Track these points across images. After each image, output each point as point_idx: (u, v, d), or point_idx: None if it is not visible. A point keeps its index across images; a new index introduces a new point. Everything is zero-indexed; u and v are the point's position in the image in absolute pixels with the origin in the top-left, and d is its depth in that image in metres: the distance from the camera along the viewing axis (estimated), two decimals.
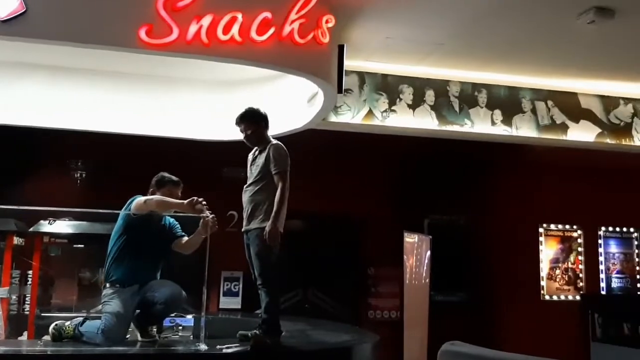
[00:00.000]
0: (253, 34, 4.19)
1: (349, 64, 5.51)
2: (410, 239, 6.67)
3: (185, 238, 4.07)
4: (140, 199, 3.82)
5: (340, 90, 5.06)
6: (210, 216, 3.79)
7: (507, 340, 7.63)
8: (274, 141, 4.05)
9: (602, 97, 6.50)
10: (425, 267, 6.49)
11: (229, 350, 3.58)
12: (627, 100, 6.54)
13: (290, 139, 5.39)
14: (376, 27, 5.09)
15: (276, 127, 5.13)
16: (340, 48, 5.05)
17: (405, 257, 6.33)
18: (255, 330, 3.79)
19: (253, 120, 4.06)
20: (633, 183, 8.27)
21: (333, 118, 5.89)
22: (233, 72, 5.57)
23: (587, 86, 6.34)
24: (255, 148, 4.11)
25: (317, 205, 7.36)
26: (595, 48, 5.34)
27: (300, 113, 5.67)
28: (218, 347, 3.59)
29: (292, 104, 5.72)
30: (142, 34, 3.92)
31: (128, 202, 3.84)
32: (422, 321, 6.01)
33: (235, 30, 4.13)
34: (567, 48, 5.36)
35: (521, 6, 4.63)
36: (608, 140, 6.45)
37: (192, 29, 4.04)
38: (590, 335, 6.90)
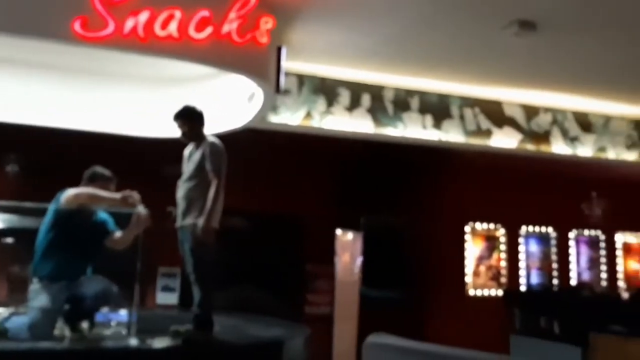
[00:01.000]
0: (191, 32, 4.22)
1: (288, 65, 5.60)
2: (345, 237, 6.86)
3: (118, 233, 4.05)
4: (70, 192, 3.76)
5: (278, 91, 5.16)
6: (144, 211, 3.80)
7: (434, 333, 7.98)
8: (211, 139, 4.11)
9: (524, 106, 6.90)
10: (357, 265, 6.70)
11: (160, 346, 3.61)
12: (547, 109, 6.97)
13: (230, 138, 5.43)
14: (315, 30, 5.22)
15: (216, 126, 5.19)
16: (279, 49, 5.15)
17: (338, 254, 6.51)
18: (187, 326, 3.85)
19: (189, 118, 4.10)
20: (551, 187, 8.80)
21: (272, 118, 5.98)
22: (174, 68, 5.55)
23: (511, 95, 6.71)
24: (192, 145, 4.16)
25: (257, 204, 7.43)
26: (519, 59, 5.66)
27: (240, 112, 5.72)
28: (148, 342, 3.61)
29: (232, 103, 5.76)
30: (77, 26, 3.88)
31: (56, 196, 3.78)
32: (353, 315, 6.21)
33: (173, 27, 4.15)
34: (493, 58, 5.66)
35: (450, 17, 4.85)
36: (529, 147, 6.85)
37: (129, 23, 4.03)
38: (510, 328, 7.27)
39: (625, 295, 8.74)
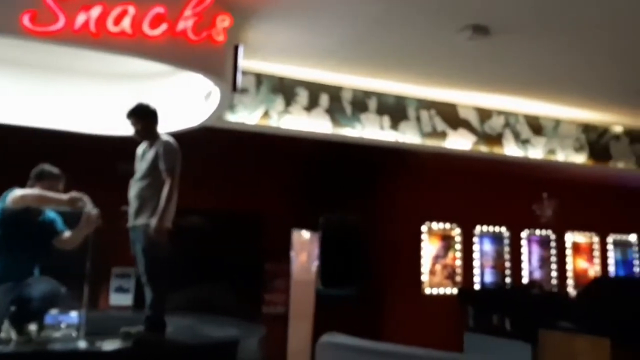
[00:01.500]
0: (145, 28, 4.15)
1: (245, 64, 5.58)
2: (302, 236, 6.88)
3: (67, 233, 3.97)
4: (16, 193, 3.67)
5: (235, 90, 5.13)
6: (94, 210, 3.73)
7: (391, 332, 8.08)
8: (165, 137, 4.06)
9: (478, 109, 7.05)
10: (314, 263, 6.73)
11: (109, 348, 3.55)
12: (500, 112, 7.14)
13: (187, 137, 5.38)
14: (273, 29, 5.20)
15: (172, 124, 5.13)
16: (236, 48, 5.12)
17: (294, 253, 6.53)
18: (138, 327, 3.79)
19: (142, 116, 4.06)
20: (505, 188, 9.03)
21: (230, 117, 5.95)
22: (129, 65, 5.44)
23: (465, 98, 6.85)
24: (145, 143, 4.10)
25: (215, 203, 7.38)
26: (473, 63, 5.77)
27: (196, 111, 5.67)
28: (97, 344, 3.55)
29: (188, 101, 5.70)
30: (26, 20, 3.78)
31: (3, 196, 3.68)
32: (309, 314, 6.24)
33: (126, 22, 4.08)
34: (448, 61, 5.77)
35: (406, 19, 4.91)
36: (482, 148, 7.01)
37: (80, 18, 3.94)
38: (464, 325, 7.44)
39: (573, 292, 9.05)
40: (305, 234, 6.91)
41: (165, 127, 4.41)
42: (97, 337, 3.75)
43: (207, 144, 6.42)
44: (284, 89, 6.15)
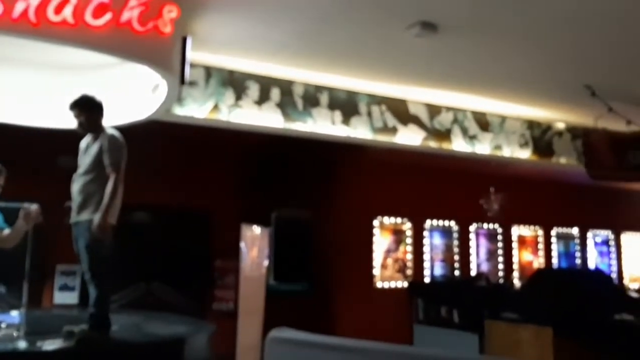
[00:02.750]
0: (88, 18, 4.01)
1: (194, 56, 5.48)
2: (253, 231, 6.83)
3: (6, 230, 3.82)
4: None
5: (183, 82, 5.03)
6: (33, 206, 3.60)
7: (343, 326, 8.14)
8: (110, 131, 3.96)
9: (428, 105, 7.16)
10: (265, 259, 6.70)
11: (51, 347, 3.44)
12: (449, 108, 7.28)
13: (133, 130, 5.25)
14: (223, 21, 5.12)
15: (119, 117, 5.00)
16: (184, 39, 5.02)
17: (244, 249, 6.48)
18: (82, 326, 3.69)
19: (86, 107, 3.94)
20: (453, 182, 9.23)
21: (178, 110, 5.84)
22: (72, 55, 5.24)
23: (415, 94, 6.94)
24: (89, 136, 3.98)
25: (163, 198, 7.24)
26: (422, 59, 5.85)
27: (143, 103, 5.53)
28: (39, 344, 3.43)
29: (135, 93, 5.55)
30: None
31: None
32: (259, 310, 6.21)
33: (68, 11, 3.92)
34: (397, 58, 5.82)
35: (356, 14, 4.90)
36: (431, 144, 7.13)
37: (19, 6, 3.77)
38: (414, 318, 7.57)
39: (518, 284, 9.35)
40: (256, 230, 6.86)
41: (111, 120, 4.29)
42: (40, 336, 3.63)
43: (154, 138, 6.29)
44: (234, 83, 6.08)
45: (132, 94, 5.55)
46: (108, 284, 3.85)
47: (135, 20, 4.25)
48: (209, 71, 5.98)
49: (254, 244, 6.65)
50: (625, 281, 11.14)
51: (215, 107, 5.97)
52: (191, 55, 5.08)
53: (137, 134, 5.34)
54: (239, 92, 6.08)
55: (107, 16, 4.09)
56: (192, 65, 5.64)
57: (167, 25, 4.51)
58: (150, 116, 5.51)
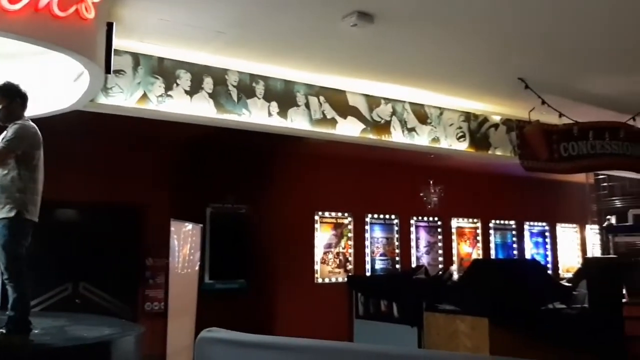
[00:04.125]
0: (4, 2, 3.71)
1: (120, 43, 5.22)
2: (185, 227, 6.60)
3: None
4: None
5: (108, 71, 4.76)
6: None
7: (283, 323, 8.03)
8: (23, 121, 3.73)
9: (367, 96, 7.11)
10: (197, 256, 6.50)
11: None
12: (387, 100, 7.25)
13: (57, 121, 4.95)
14: (151, 7, 4.87)
15: (40, 107, 4.69)
16: (109, 26, 4.74)
17: (176, 246, 6.25)
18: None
19: (5, 95, 3.75)
20: (393, 175, 9.27)
21: (103, 100, 5.53)
22: None
23: (354, 85, 6.87)
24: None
25: (91, 194, 6.91)
26: (359, 50, 5.77)
27: (66, 93, 5.20)
28: None
29: (56, 82, 5.22)
30: None
31: None
32: (191, 310, 6.01)
33: None
34: (335, 48, 5.72)
35: (292, 3, 4.78)
36: (371, 136, 7.09)
37: None
38: (354, 312, 7.52)
39: (456, 275, 9.48)
40: (189, 226, 6.63)
41: (32, 110, 4.04)
42: None
43: (79, 130, 5.96)
44: (164, 71, 5.81)
45: (53, 83, 5.21)
46: (27, 285, 3.67)
47: (54, 4, 3.96)
48: (137, 59, 5.69)
49: (186, 240, 6.42)
50: (560, 271, 11.55)
51: (144, 97, 5.70)
52: (117, 42, 4.80)
53: (60, 125, 5.04)
54: (170, 82, 5.82)
55: (25, 0, 3.79)
56: (119, 53, 5.37)
57: (89, 10, 4.23)
58: (73, 106, 5.20)
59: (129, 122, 5.77)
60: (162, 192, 7.42)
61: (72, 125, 5.50)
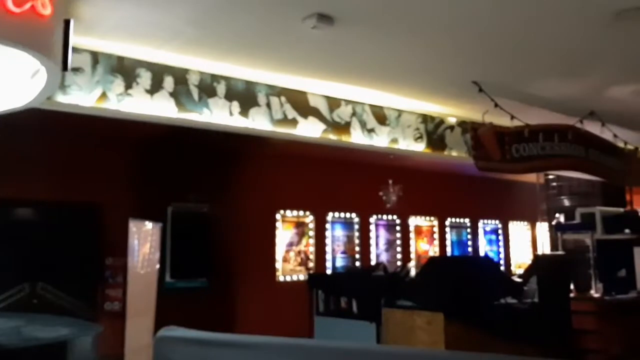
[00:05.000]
0: None
1: (79, 41, 5.16)
2: (145, 226, 6.56)
3: None
4: None
5: (65, 68, 4.69)
6: None
7: (244, 321, 8.06)
8: None
9: (327, 98, 7.20)
10: (157, 255, 6.46)
11: None
12: (348, 101, 7.37)
13: (13, 120, 4.85)
14: (110, 4, 4.81)
15: None
16: (67, 23, 4.68)
17: (135, 245, 6.21)
18: None
19: None
20: (354, 175, 9.41)
21: (61, 98, 5.45)
22: None
23: (315, 86, 6.95)
24: None
25: (49, 193, 6.79)
26: (320, 51, 5.84)
27: (22, 90, 5.10)
28: None
29: (13, 79, 5.11)
30: None
31: None
32: (150, 309, 5.98)
33: None
34: (296, 49, 5.77)
35: (252, 3, 4.80)
36: (331, 136, 7.19)
37: None
38: (314, 309, 7.60)
39: (413, 272, 9.69)
40: (149, 225, 6.59)
41: None
42: None
43: (36, 128, 5.86)
44: (124, 70, 5.77)
45: (9, 80, 5.10)
46: None
47: (9, 0, 3.90)
48: (96, 57, 5.63)
49: (147, 239, 6.38)
50: (512, 267, 11.93)
51: (104, 95, 5.64)
52: (76, 40, 4.73)
53: (17, 124, 4.96)
54: (129, 80, 5.78)
55: None
56: (77, 51, 5.32)
57: (46, 6, 4.17)
58: (29, 104, 5.09)
59: (88, 120, 5.71)
60: (122, 191, 7.35)
61: (29, 124, 5.40)
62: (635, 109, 7.77)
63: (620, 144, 8.53)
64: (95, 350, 4.23)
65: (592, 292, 7.95)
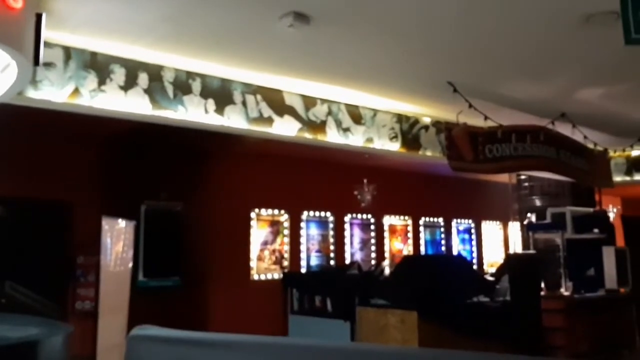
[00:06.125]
0: None
1: (51, 36, 5.07)
2: (118, 224, 6.48)
3: None
4: None
5: (37, 63, 4.60)
6: None
7: (219, 320, 8.02)
8: None
9: (303, 96, 7.20)
10: (130, 253, 6.39)
11: None
12: (323, 100, 7.38)
13: None
14: None
15: None
16: (38, 16, 4.59)
17: (107, 243, 6.12)
18: None
19: None
20: (328, 173, 9.43)
21: (32, 93, 5.34)
22: None
23: (291, 85, 6.95)
24: None
25: (16, 190, 6.65)
26: (295, 50, 5.84)
27: None
28: None
29: None
30: None
31: None
32: (123, 308, 5.91)
33: None
34: (271, 47, 5.76)
35: (228, 0, 4.79)
36: (307, 135, 7.20)
37: None
38: (289, 308, 7.61)
39: (387, 271, 9.76)
40: (122, 223, 6.51)
41: None
42: None
43: (5, 123, 5.72)
44: (97, 66, 5.68)
45: None
46: None
47: None
48: (68, 52, 5.53)
49: (120, 238, 6.30)
50: (484, 266, 12.10)
51: (76, 91, 5.55)
52: (48, 34, 4.66)
53: None
54: (103, 76, 5.70)
55: None
56: (49, 46, 5.22)
57: None
58: None
59: (59, 116, 5.60)
60: (95, 188, 7.24)
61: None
62: (604, 111, 7.96)
63: (590, 146, 8.72)
64: (66, 350, 4.15)
65: (562, 290, 8.11)
